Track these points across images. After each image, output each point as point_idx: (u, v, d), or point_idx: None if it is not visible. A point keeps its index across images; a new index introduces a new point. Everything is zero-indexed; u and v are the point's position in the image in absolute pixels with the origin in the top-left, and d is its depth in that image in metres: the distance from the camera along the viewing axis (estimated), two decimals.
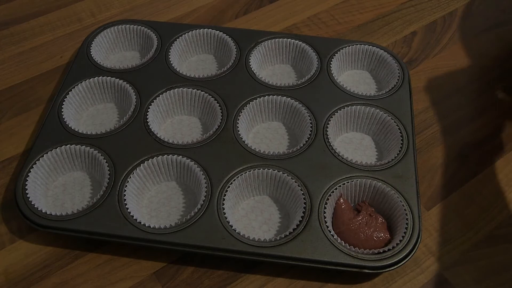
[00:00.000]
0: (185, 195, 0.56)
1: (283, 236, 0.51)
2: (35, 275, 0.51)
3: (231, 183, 0.54)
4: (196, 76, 0.64)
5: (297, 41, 0.68)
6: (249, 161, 0.56)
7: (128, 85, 0.63)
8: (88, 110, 0.64)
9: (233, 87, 0.63)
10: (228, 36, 0.69)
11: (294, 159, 0.57)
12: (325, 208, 0.53)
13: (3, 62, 0.71)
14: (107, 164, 0.55)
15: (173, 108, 0.63)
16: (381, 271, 0.50)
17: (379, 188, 0.54)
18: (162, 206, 0.55)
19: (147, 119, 0.60)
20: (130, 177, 0.54)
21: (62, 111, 0.60)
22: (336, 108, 0.61)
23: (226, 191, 0.54)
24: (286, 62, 0.70)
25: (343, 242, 0.50)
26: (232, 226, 0.51)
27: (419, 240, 0.51)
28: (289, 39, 0.68)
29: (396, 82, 0.65)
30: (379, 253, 0.50)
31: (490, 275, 0.52)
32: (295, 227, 0.51)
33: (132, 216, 0.52)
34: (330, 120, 0.60)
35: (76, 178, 0.58)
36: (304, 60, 0.68)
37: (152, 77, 0.64)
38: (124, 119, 0.60)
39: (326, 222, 0.52)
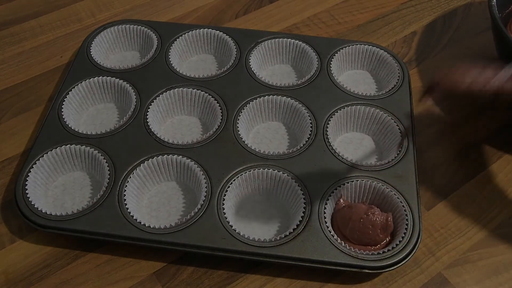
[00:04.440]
0: (185, 195, 0.56)
1: (283, 236, 0.51)
2: (35, 275, 0.51)
3: (231, 183, 0.54)
4: (196, 76, 0.64)
5: (297, 41, 0.68)
6: (249, 161, 0.56)
7: (128, 85, 0.63)
8: (88, 110, 0.64)
9: (233, 87, 0.63)
10: (228, 36, 0.69)
11: (294, 159, 0.57)
12: (325, 208, 0.53)
13: (3, 62, 0.71)
14: (107, 164, 0.55)
15: (173, 108, 0.63)
16: (381, 271, 0.50)
17: (379, 189, 0.54)
18: (162, 206, 0.55)
19: (147, 119, 0.60)
20: (130, 177, 0.54)
21: (62, 111, 0.60)
22: (336, 108, 0.61)
23: (226, 191, 0.54)
24: (286, 62, 0.70)
25: (343, 242, 0.50)
26: (232, 226, 0.51)
27: (419, 240, 0.51)
28: (289, 39, 0.68)
29: (396, 82, 0.65)
30: (378, 253, 0.50)
31: (490, 275, 0.52)
32: (295, 227, 0.51)
33: (132, 216, 0.52)
34: (330, 120, 0.60)
35: (76, 178, 0.58)
36: (304, 60, 0.68)
37: (152, 77, 0.64)
38: (124, 119, 0.60)
39: (326, 222, 0.52)
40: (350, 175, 0.55)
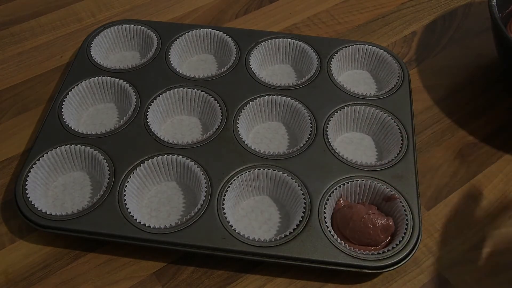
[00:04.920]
0: (185, 195, 0.56)
1: (283, 236, 0.51)
2: (35, 275, 0.51)
3: (231, 183, 0.54)
4: (196, 76, 0.64)
5: (297, 41, 0.68)
6: (249, 161, 0.56)
7: (128, 85, 0.63)
8: (88, 110, 0.64)
9: (233, 87, 0.63)
10: (228, 36, 0.69)
11: (294, 159, 0.57)
12: (325, 208, 0.53)
13: (3, 62, 0.71)
14: (107, 164, 0.55)
15: (173, 108, 0.63)
16: (381, 271, 0.50)
17: (379, 189, 0.54)
18: (162, 206, 0.55)
19: (147, 119, 0.60)
20: (130, 177, 0.54)
21: (62, 111, 0.60)
22: (336, 108, 0.61)
23: (226, 191, 0.54)
24: (286, 62, 0.70)
25: (343, 242, 0.50)
26: (232, 226, 0.51)
27: (419, 240, 0.51)
28: (289, 39, 0.68)
29: (396, 82, 0.65)
30: (378, 253, 0.50)
31: (490, 275, 0.52)
32: (295, 227, 0.51)
33: (132, 216, 0.52)
34: (330, 120, 0.60)
35: (76, 178, 0.57)
36: (304, 60, 0.68)
37: (152, 77, 0.64)
38: (124, 119, 0.60)
39: (326, 222, 0.52)
40: (350, 175, 0.55)
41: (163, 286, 0.51)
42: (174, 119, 0.64)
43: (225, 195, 0.53)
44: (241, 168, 0.56)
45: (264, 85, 0.64)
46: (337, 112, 0.61)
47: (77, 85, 0.63)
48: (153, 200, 0.56)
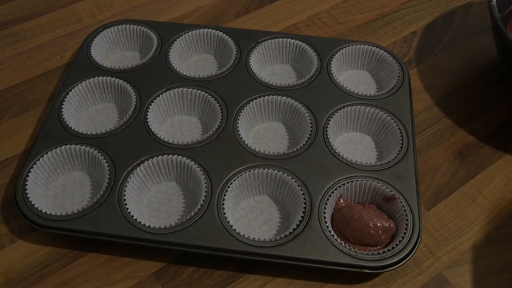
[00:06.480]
0: (185, 195, 0.56)
1: (283, 236, 0.51)
2: (35, 275, 0.51)
3: (231, 183, 0.54)
4: (196, 76, 0.65)
5: (297, 41, 0.68)
6: (249, 161, 0.56)
7: (128, 85, 0.63)
8: (88, 110, 0.64)
9: (233, 87, 0.63)
10: (228, 36, 0.69)
11: (294, 159, 0.57)
12: (325, 208, 0.53)
13: (3, 62, 0.71)
14: (107, 164, 0.55)
15: (173, 108, 0.63)
16: (381, 271, 0.50)
17: (379, 189, 0.54)
18: (162, 206, 0.55)
19: (147, 119, 0.60)
20: (130, 177, 0.54)
21: (62, 111, 0.60)
22: (336, 108, 0.61)
23: (226, 191, 0.54)
24: (286, 62, 0.70)
25: (343, 242, 0.50)
26: (232, 226, 0.51)
27: (419, 240, 0.51)
28: (289, 39, 0.68)
29: (396, 82, 0.65)
30: (378, 253, 0.50)
31: (490, 275, 0.52)
32: (295, 227, 0.51)
33: (132, 216, 0.52)
34: (330, 120, 0.60)
35: (76, 178, 0.58)
36: (304, 60, 0.68)
37: (152, 77, 0.64)
38: (124, 119, 0.60)
39: (326, 222, 0.52)
40: (350, 175, 0.55)
41: (163, 286, 0.51)
42: (174, 119, 0.64)
43: (225, 195, 0.53)
44: (241, 168, 0.56)
45: (264, 85, 0.64)
46: (337, 112, 0.61)
47: (77, 85, 0.63)
48: (153, 200, 0.56)
